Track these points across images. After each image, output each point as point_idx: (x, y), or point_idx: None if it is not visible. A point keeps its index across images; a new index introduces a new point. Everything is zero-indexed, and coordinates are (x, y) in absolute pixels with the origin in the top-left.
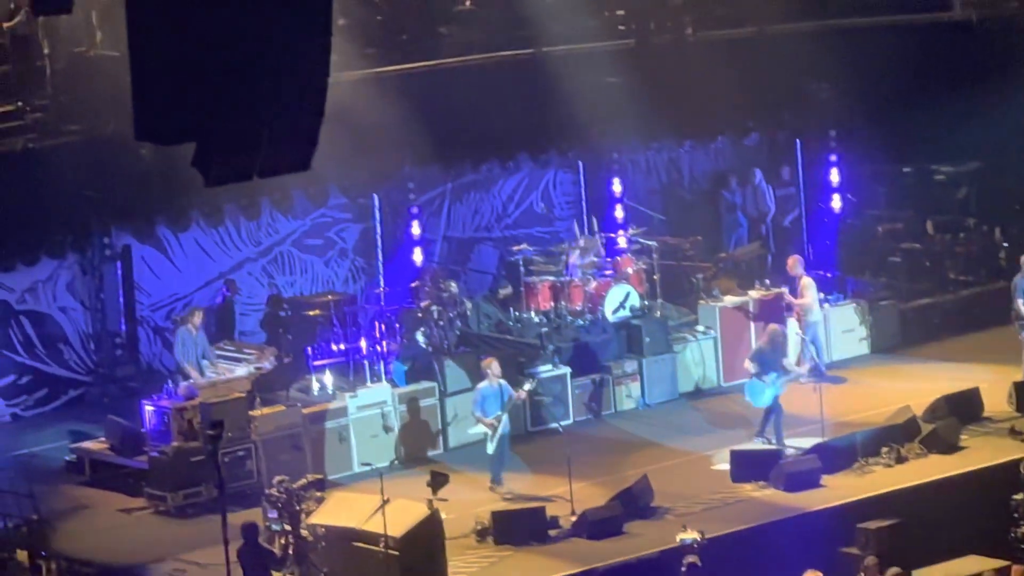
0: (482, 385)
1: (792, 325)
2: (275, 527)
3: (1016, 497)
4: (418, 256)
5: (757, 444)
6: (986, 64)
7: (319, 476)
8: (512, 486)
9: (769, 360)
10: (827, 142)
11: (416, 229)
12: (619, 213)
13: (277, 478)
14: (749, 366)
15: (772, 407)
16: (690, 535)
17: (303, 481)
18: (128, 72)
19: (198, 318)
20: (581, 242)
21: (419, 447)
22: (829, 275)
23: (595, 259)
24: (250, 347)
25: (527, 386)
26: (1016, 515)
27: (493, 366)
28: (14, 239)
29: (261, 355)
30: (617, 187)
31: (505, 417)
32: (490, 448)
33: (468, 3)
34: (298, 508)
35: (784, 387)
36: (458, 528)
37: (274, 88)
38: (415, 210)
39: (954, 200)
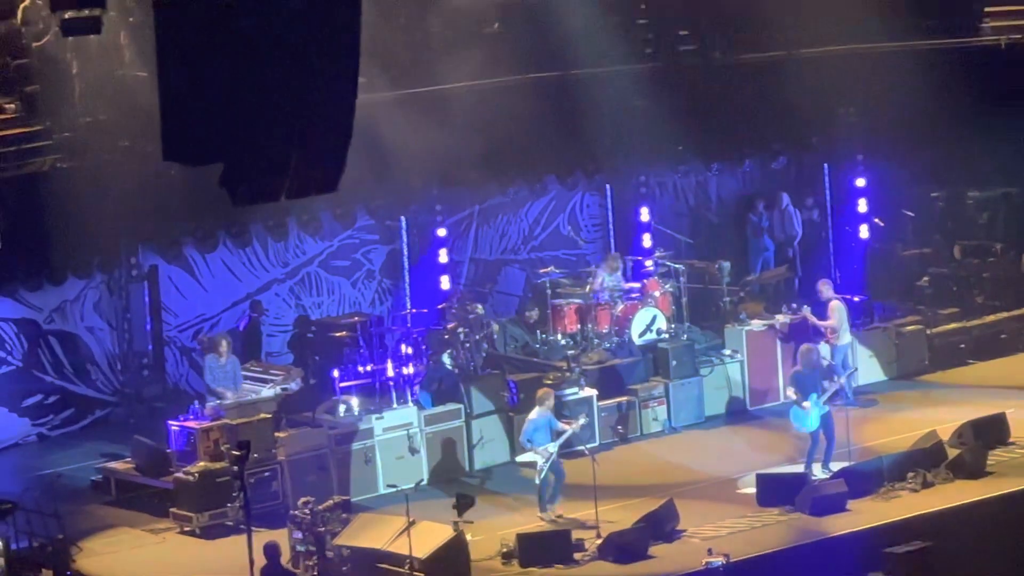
0: (533, 415)
1: (824, 350)
2: (300, 548)
3: None
4: (445, 282)
5: (824, 474)
6: (1014, 89)
7: (345, 497)
8: (558, 510)
9: (808, 381)
10: (855, 166)
11: (444, 257)
12: (647, 240)
13: (303, 499)
14: (790, 392)
15: (827, 428)
16: (716, 559)
17: (329, 503)
18: (156, 92)
19: (224, 345)
20: (608, 260)
21: (445, 469)
22: (857, 299)
23: (620, 280)
24: (277, 368)
25: (582, 420)
26: None
27: (549, 398)
28: (41, 258)
29: (288, 376)
30: (645, 215)
31: (555, 447)
32: (538, 479)
33: (496, 26)
34: (323, 529)
35: (827, 405)
36: (483, 550)
37: (302, 110)
38: (443, 233)
39: (981, 225)
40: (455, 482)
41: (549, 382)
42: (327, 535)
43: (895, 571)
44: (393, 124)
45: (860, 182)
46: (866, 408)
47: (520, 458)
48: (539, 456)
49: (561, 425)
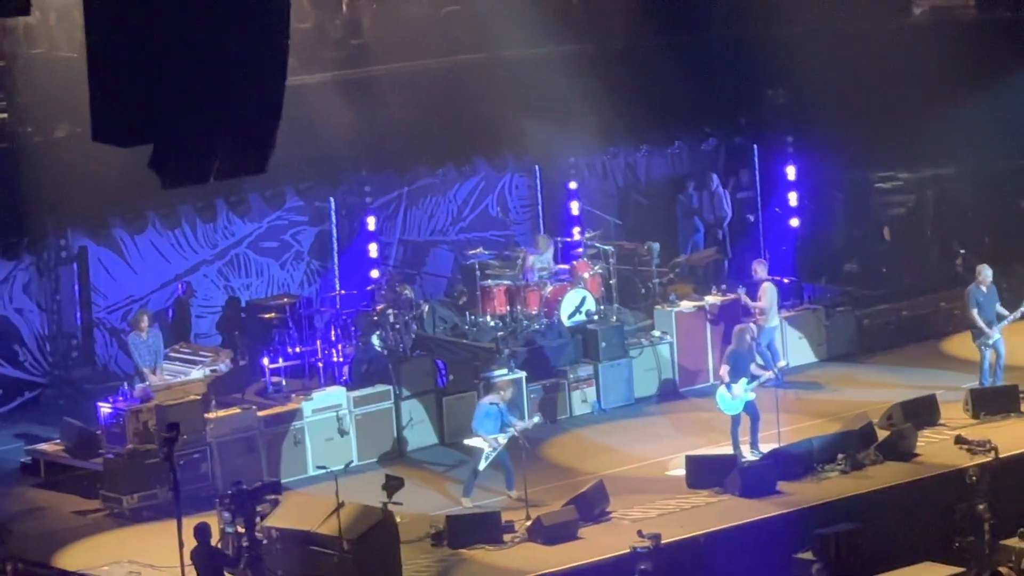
0: (486, 401)
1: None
2: (229, 529)
3: (960, 506)
4: (374, 272)
5: (754, 456)
6: (943, 71)
7: (274, 479)
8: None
9: (743, 360)
10: (784, 148)
11: (373, 252)
12: (576, 222)
13: (232, 481)
14: (724, 370)
15: (751, 410)
16: (644, 541)
17: (258, 484)
18: (86, 74)
19: (145, 321)
20: (536, 241)
21: (374, 451)
22: (787, 281)
23: (550, 261)
24: (206, 349)
25: (536, 419)
26: (961, 524)
27: (507, 391)
28: None
29: (217, 357)
30: (574, 200)
31: (504, 439)
32: (482, 465)
33: (425, 6)
34: (253, 511)
35: (753, 392)
36: (413, 532)
37: (231, 91)
38: (372, 228)
39: (911, 207)
40: (384, 463)
41: (477, 363)
42: (256, 517)
43: (824, 552)
44: (322, 106)
45: (790, 170)
46: (796, 390)
47: (468, 441)
48: (487, 444)
49: (514, 421)
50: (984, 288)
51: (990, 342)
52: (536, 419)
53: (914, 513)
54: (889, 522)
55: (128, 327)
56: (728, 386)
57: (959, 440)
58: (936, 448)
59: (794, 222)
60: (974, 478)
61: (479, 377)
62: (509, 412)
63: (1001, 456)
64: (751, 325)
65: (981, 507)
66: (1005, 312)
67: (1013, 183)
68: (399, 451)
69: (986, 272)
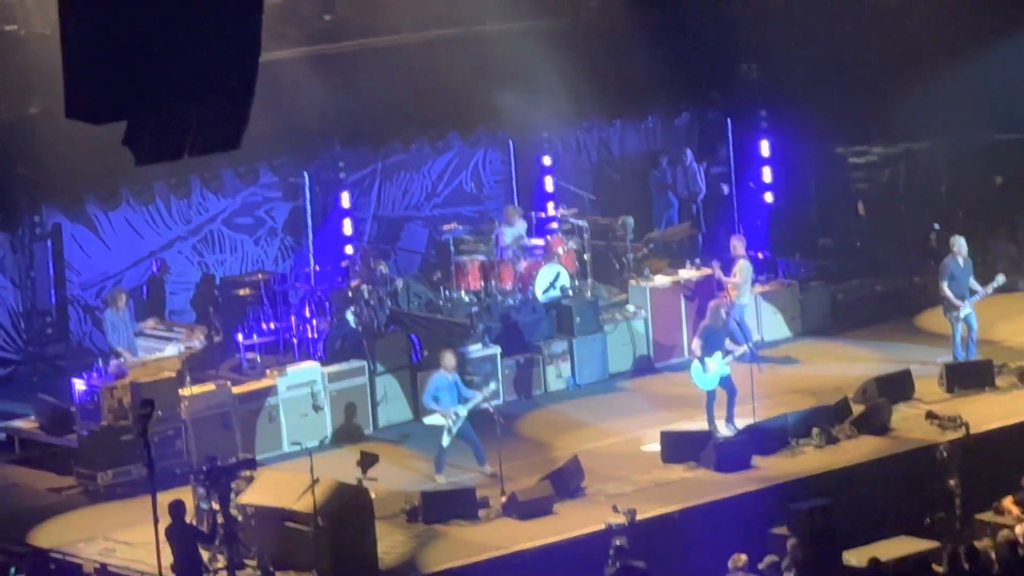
0: (436, 375)
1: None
2: (204, 506)
3: (932, 482)
4: (349, 248)
5: (729, 431)
6: (917, 45)
7: (249, 455)
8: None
9: (716, 336)
10: (758, 123)
11: (348, 229)
12: (549, 188)
13: (207, 457)
14: (695, 344)
15: (727, 384)
16: (619, 517)
17: (233, 460)
18: (59, 50)
19: (122, 300)
20: (507, 213)
21: (349, 426)
22: (760, 256)
23: (524, 235)
24: (180, 326)
25: (492, 386)
26: (933, 499)
27: (447, 358)
28: None
29: (191, 334)
30: (548, 176)
31: (464, 411)
32: (445, 441)
33: None
34: (227, 487)
35: (728, 367)
36: (388, 508)
37: (205, 67)
38: (347, 205)
39: (884, 182)
40: (359, 439)
41: (452, 339)
42: (231, 493)
43: (799, 527)
44: (296, 81)
45: (764, 145)
46: (770, 365)
47: (427, 420)
48: (447, 419)
49: (470, 393)
50: (960, 260)
51: (962, 315)
52: (492, 385)
53: (889, 488)
54: (864, 497)
55: (103, 304)
56: (702, 361)
57: (930, 416)
58: (911, 423)
59: (768, 197)
60: (945, 454)
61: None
62: (464, 384)
63: (972, 432)
64: (726, 300)
65: (952, 483)
66: (977, 287)
67: (987, 158)
68: (373, 426)
69: (960, 243)
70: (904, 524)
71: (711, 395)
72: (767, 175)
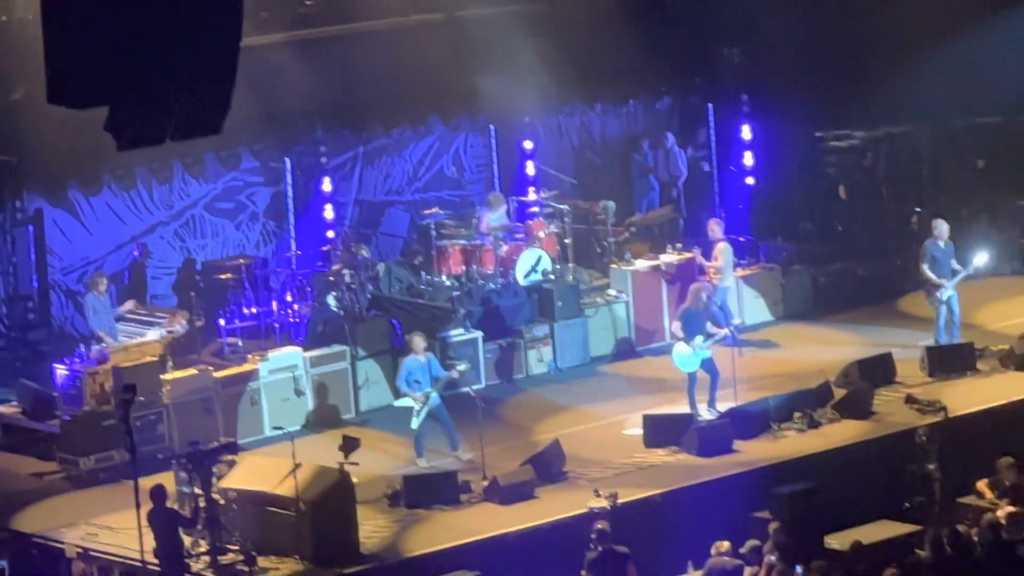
0: (407, 359)
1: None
2: (186, 491)
3: (911, 466)
4: (330, 232)
5: (711, 415)
6: (898, 29)
7: (231, 440)
8: (431, 457)
9: (697, 320)
10: (739, 107)
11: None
12: (530, 173)
13: (189, 441)
14: (676, 328)
15: (709, 368)
16: (601, 501)
17: (215, 445)
18: (41, 36)
19: (103, 284)
20: (489, 199)
21: (331, 411)
22: (742, 239)
23: (506, 220)
24: (162, 311)
25: (462, 366)
26: (912, 483)
27: (416, 341)
28: None
29: (173, 319)
30: (529, 160)
31: (435, 393)
32: (415, 423)
33: None
34: (209, 472)
35: (710, 350)
36: (369, 492)
37: (186, 52)
38: (328, 189)
39: (866, 166)
40: (341, 423)
41: (434, 324)
42: (213, 477)
43: (781, 511)
44: (277, 66)
45: (745, 129)
46: (752, 348)
47: (397, 403)
48: (416, 402)
49: (441, 371)
50: (941, 243)
51: (943, 298)
52: (463, 365)
53: (870, 471)
54: (846, 480)
55: (84, 288)
56: (681, 344)
57: (909, 400)
58: (892, 407)
59: (749, 181)
60: (924, 438)
61: (435, 337)
62: (436, 366)
63: (951, 416)
64: (707, 283)
65: (931, 467)
66: (958, 267)
67: (969, 141)
68: (355, 411)
69: (942, 227)
70: (886, 508)
71: (692, 378)
72: (749, 159)
